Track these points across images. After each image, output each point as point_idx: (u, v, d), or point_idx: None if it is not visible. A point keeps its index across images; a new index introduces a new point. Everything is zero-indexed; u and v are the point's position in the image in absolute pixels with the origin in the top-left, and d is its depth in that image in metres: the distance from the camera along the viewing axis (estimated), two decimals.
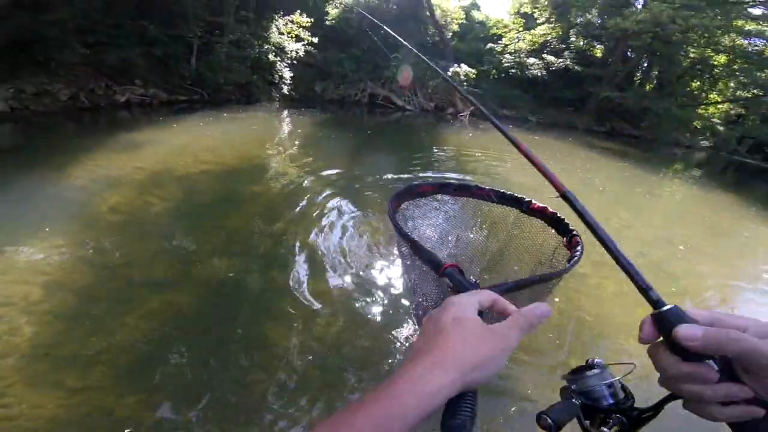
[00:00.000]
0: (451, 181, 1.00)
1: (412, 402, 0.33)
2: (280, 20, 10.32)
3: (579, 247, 0.91)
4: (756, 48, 17.81)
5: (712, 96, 20.45)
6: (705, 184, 9.66)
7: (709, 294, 3.48)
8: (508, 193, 1.06)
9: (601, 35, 17.48)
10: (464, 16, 16.96)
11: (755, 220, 6.82)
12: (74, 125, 6.21)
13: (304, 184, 4.47)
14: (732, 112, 21.12)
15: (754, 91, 18.99)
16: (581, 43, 18.08)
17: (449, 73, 13.53)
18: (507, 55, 17.33)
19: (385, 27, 1.67)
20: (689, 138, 19.35)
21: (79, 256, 2.60)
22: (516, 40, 17.81)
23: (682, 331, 0.36)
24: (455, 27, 16.02)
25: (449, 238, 1.11)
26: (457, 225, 1.11)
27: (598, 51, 18.80)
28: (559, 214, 1.01)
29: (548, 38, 18.14)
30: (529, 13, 18.54)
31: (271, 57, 9.61)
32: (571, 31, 17.90)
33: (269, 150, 5.89)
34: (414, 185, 1.03)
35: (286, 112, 9.41)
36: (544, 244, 1.02)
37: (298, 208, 3.78)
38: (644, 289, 0.45)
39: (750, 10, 16.42)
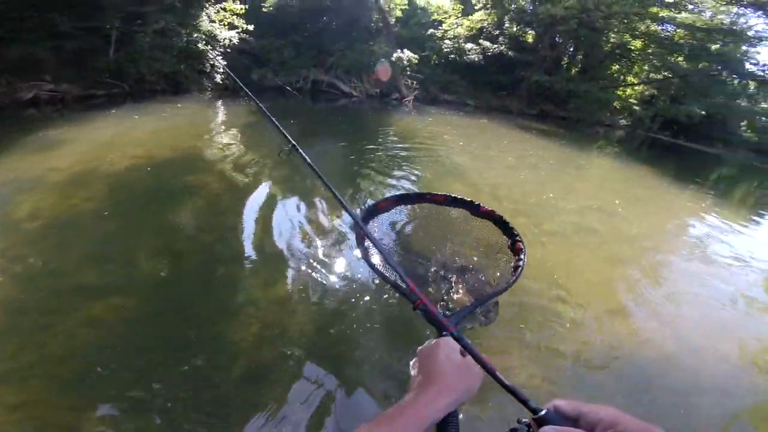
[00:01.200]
0: (408, 191, 1.06)
1: (428, 415, 0.51)
2: (211, 8, 9.77)
3: (522, 255, 0.98)
4: (667, 33, 19.81)
5: (629, 78, 22.52)
6: (625, 159, 10.72)
7: (635, 256, 3.92)
8: (460, 197, 1.13)
9: (533, 21, 18.39)
10: (407, 2, 16.98)
11: (670, 189, 7.74)
12: None
13: (244, 174, 4.33)
14: (646, 93, 23.41)
15: (665, 73, 21.20)
16: (514, 29, 18.89)
17: (393, 59, 13.58)
18: (447, 41, 17.70)
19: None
20: (609, 117, 21.20)
21: None
22: (455, 26, 18.24)
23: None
24: (398, 13, 16.02)
25: (412, 251, 1.15)
26: (417, 234, 1.16)
27: (530, 37, 19.80)
28: (504, 218, 1.08)
29: (484, 24, 18.76)
30: None
31: (200, 46, 9.04)
32: (506, 17, 18.63)
33: (203, 141, 5.57)
34: (373, 205, 1.07)
35: (219, 102, 8.92)
36: (492, 244, 1.09)
37: (240, 200, 3.67)
38: (524, 401, 0.56)
39: None
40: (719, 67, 20.13)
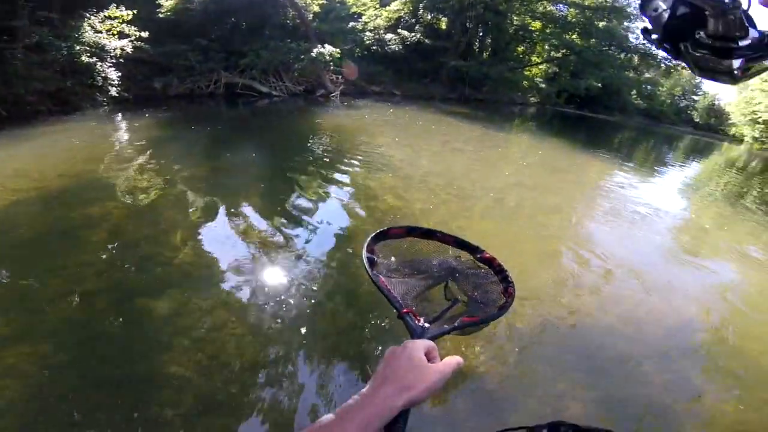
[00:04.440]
0: (419, 225, 1.19)
1: (385, 409, 0.53)
2: (94, 17, 8.73)
3: (510, 299, 1.08)
4: (561, 13, 21.74)
5: (533, 58, 24.40)
6: (539, 134, 11.61)
7: (561, 226, 4.21)
8: (466, 240, 1.26)
9: (445, 8, 19.10)
10: None
11: (580, 156, 8.51)
12: None
13: (154, 196, 3.92)
14: (549, 71, 25.54)
15: (563, 51, 23.26)
16: (428, 16, 19.48)
17: (313, 55, 13.18)
18: (368, 33, 17.74)
19: None
20: (521, 96, 22.86)
21: None
22: (374, 17, 18.30)
23: None
24: (316, 8, 15.51)
25: (412, 274, 1.24)
26: (418, 263, 1.25)
27: (443, 23, 20.55)
28: (503, 266, 1.20)
29: (401, 14, 19.08)
30: None
31: (85, 58, 8.03)
32: (420, 5, 19.12)
33: (100, 163, 4.91)
34: (384, 230, 1.18)
35: (119, 116, 8.00)
36: (487, 286, 1.17)
37: (151, 225, 3.32)
38: None
39: None
40: (608, 42, 22.58)
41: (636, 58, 24.66)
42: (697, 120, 38.94)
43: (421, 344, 0.64)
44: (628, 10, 22.20)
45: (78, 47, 7.98)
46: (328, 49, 13.51)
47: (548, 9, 20.93)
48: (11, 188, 3.83)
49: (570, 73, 25.26)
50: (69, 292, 2.40)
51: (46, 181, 4.06)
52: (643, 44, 22.00)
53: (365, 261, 1.06)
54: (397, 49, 17.44)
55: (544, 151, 8.89)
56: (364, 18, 18.25)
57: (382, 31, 17.83)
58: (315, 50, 13.20)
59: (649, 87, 35.79)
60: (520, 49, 23.82)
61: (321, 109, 11.83)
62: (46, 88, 7.51)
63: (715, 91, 39.86)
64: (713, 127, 36.13)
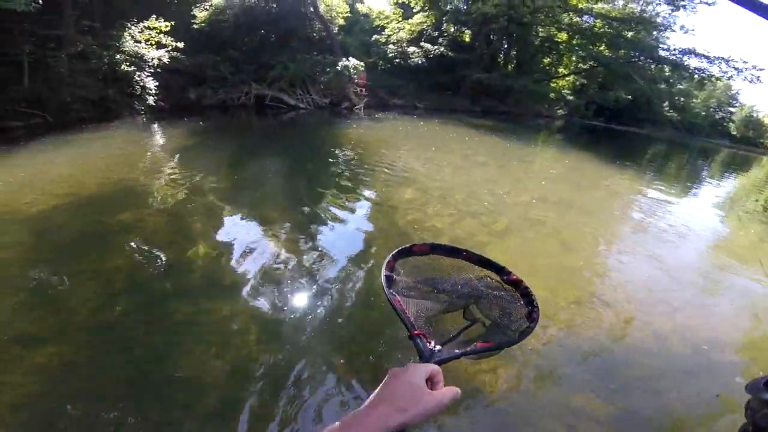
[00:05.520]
0: (443, 243, 1.19)
1: (379, 430, 0.53)
2: (134, 27, 9.25)
3: (534, 324, 1.03)
4: (588, 24, 21.39)
5: (560, 70, 24.00)
6: (566, 147, 11.35)
7: (586, 242, 4.09)
8: (493, 260, 1.20)
9: (468, 21, 19.16)
10: (349, 10, 16.91)
11: (611, 171, 8.25)
12: None
13: (185, 204, 4.06)
14: (577, 83, 25.05)
15: (591, 63, 22.80)
16: (452, 29, 19.57)
17: (338, 68, 13.45)
18: (390, 46, 17.98)
19: None
20: (547, 109, 22.50)
21: None
22: (397, 30, 18.55)
23: None
24: (341, 21, 15.88)
25: (433, 294, 1.22)
26: (441, 282, 1.23)
27: (467, 36, 20.57)
28: (529, 289, 1.14)
29: (424, 26, 19.26)
30: (406, 2, 19.42)
31: (124, 67, 8.49)
32: (444, 18, 19.25)
33: (139, 170, 5.15)
34: (407, 247, 1.16)
35: (155, 125, 8.38)
36: (510, 310, 1.15)
37: (181, 231, 3.43)
38: None
39: None
40: (636, 54, 21.99)
41: (667, 69, 23.90)
42: (734, 133, 37.23)
43: (424, 368, 0.64)
44: (657, 20, 21.66)
45: (118, 56, 8.45)
46: (353, 61, 13.76)
47: (574, 20, 20.63)
48: (52, 193, 4.06)
49: (598, 85, 24.76)
50: (97, 295, 2.50)
51: (85, 187, 4.29)
52: (675, 55, 21.34)
53: (383, 279, 1.03)
54: (420, 62, 17.56)
55: (571, 164, 8.69)
56: (387, 31, 18.49)
57: (404, 44, 18.02)
58: (340, 63, 13.47)
59: (681, 99, 34.59)
60: (547, 60, 23.51)
61: (345, 121, 12.01)
62: (89, 96, 7.96)
63: (752, 102, 38.15)
64: (751, 140, 34.44)
